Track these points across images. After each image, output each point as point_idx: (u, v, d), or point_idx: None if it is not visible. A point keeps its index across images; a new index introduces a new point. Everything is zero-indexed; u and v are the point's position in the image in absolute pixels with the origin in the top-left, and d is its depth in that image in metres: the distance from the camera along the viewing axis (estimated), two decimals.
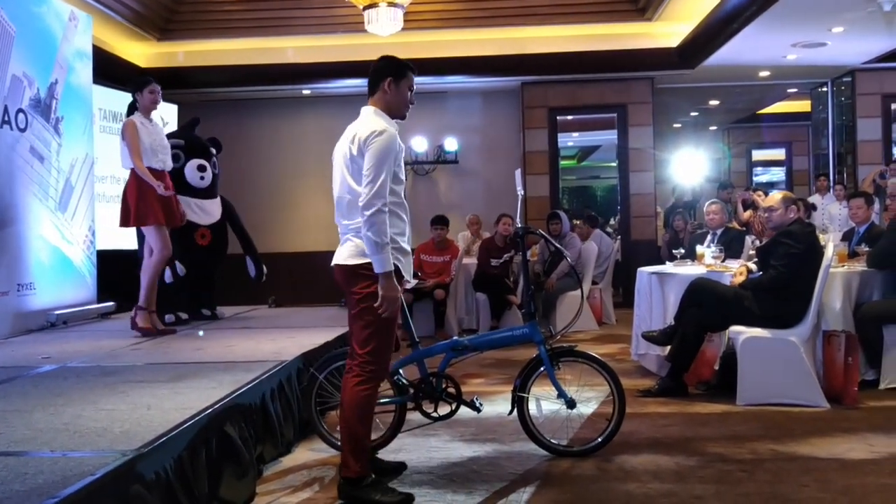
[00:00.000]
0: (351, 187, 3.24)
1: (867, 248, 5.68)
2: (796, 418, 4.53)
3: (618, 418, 3.88)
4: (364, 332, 3.24)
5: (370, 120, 3.27)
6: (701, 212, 9.55)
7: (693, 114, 15.28)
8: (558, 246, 4.72)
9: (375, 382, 3.28)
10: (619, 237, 11.38)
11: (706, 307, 5.04)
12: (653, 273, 6.00)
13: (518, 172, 4.48)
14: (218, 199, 6.58)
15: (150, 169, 5.36)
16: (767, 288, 4.91)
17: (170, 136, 6.33)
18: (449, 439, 4.22)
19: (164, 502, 2.65)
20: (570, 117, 12.01)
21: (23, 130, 6.04)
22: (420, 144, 11.06)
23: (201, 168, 6.30)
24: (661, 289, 5.81)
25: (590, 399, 4.68)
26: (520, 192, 4.20)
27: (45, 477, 2.36)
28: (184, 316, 6.20)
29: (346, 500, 3.25)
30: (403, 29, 8.13)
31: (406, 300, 3.66)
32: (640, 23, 9.83)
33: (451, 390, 3.84)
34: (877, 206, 7.59)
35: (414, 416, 3.88)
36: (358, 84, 3.43)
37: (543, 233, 4.23)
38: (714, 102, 13.84)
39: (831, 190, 10.73)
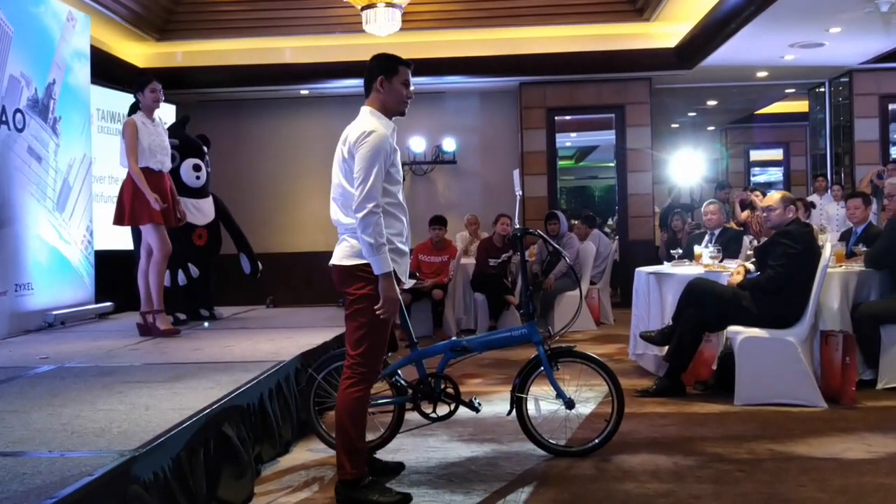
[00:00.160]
0: (345, 188, 3.24)
1: (865, 249, 5.68)
2: (794, 418, 4.54)
3: (616, 418, 3.89)
4: (357, 334, 3.24)
5: (362, 121, 3.27)
6: (698, 212, 9.56)
7: (691, 114, 15.30)
8: (557, 246, 4.72)
9: (367, 384, 3.27)
10: (617, 237, 11.39)
11: (704, 307, 5.05)
12: (651, 273, 6.00)
13: (516, 173, 4.48)
14: (211, 198, 6.56)
15: (147, 169, 5.35)
16: (765, 288, 4.92)
17: None
18: (447, 439, 4.23)
19: (163, 502, 2.65)
20: (568, 117, 12.02)
21: (20, 130, 6.04)
22: (418, 144, 11.07)
23: (196, 168, 6.30)
24: (659, 289, 5.81)
25: (588, 399, 4.68)
26: (518, 192, 4.19)
27: (43, 477, 2.36)
28: (182, 316, 6.19)
29: (344, 501, 3.24)
30: (401, 29, 8.13)
31: (404, 300, 3.66)
32: (637, 23, 9.84)
33: (450, 391, 3.84)
34: (874, 206, 7.59)
35: (413, 417, 3.88)
36: (356, 84, 3.42)
37: (542, 233, 4.22)
38: (712, 103, 13.85)
39: (829, 190, 10.75)
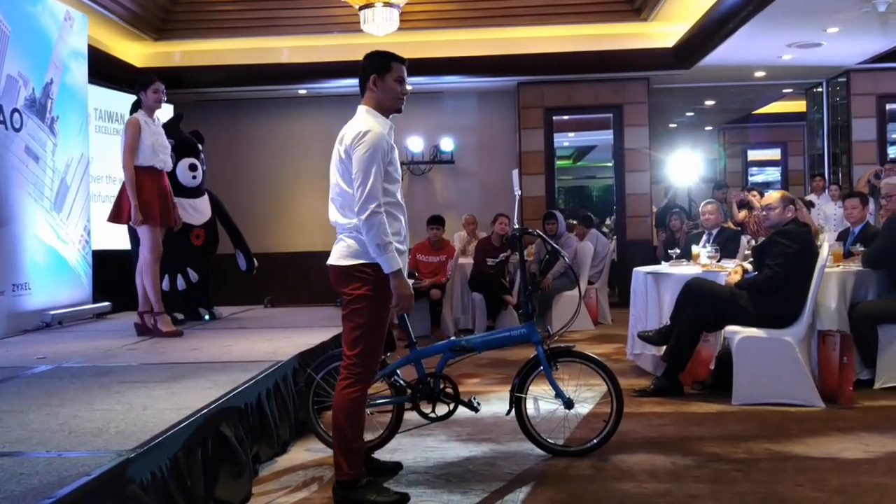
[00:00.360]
0: (342, 189, 3.23)
1: (862, 248, 5.69)
2: (791, 418, 4.54)
3: (615, 419, 3.88)
4: (353, 334, 3.23)
5: (358, 120, 3.26)
6: (696, 212, 9.57)
7: (689, 114, 15.31)
8: (556, 246, 4.73)
9: (364, 384, 3.26)
10: (615, 237, 11.40)
11: (702, 307, 5.05)
12: (649, 273, 6.00)
13: (516, 172, 4.48)
14: (206, 195, 6.52)
15: (151, 169, 5.34)
16: (763, 287, 4.92)
17: None
18: (445, 439, 4.23)
19: (160, 502, 2.65)
20: (565, 117, 12.03)
21: (18, 130, 6.03)
22: (416, 144, 11.07)
23: (193, 167, 6.26)
24: (656, 289, 5.82)
25: (587, 399, 4.68)
26: (517, 192, 4.20)
27: (40, 477, 2.35)
28: (179, 316, 6.18)
29: (342, 502, 3.24)
30: (399, 29, 8.13)
31: None
32: (635, 23, 9.85)
33: (449, 390, 3.84)
34: (872, 206, 7.61)
35: (411, 417, 3.88)
36: (354, 84, 3.40)
37: (541, 233, 4.22)
38: (709, 102, 13.86)
39: (826, 190, 10.76)
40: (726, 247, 6.30)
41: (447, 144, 11.20)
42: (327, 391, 3.85)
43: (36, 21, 6.38)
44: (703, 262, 5.88)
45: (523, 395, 3.84)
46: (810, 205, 9.61)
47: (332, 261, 3.29)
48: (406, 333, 3.85)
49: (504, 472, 3.68)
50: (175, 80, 9.72)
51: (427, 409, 3.84)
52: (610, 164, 11.89)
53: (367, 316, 3.20)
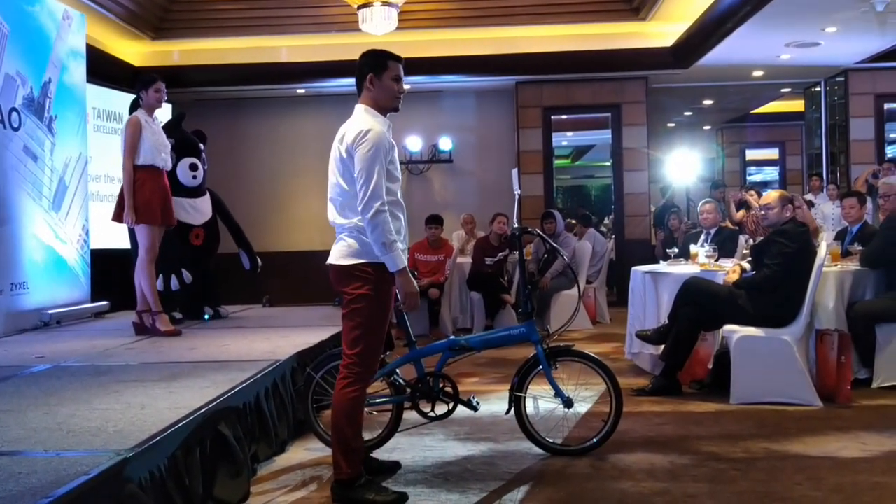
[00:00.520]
0: (343, 188, 3.23)
1: (860, 248, 5.69)
2: (789, 417, 4.55)
3: (614, 418, 3.88)
4: (353, 333, 3.24)
5: (358, 120, 3.26)
6: (693, 212, 9.57)
7: (687, 113, 15.31)
8: (555, 245, 4.72)
9: (362, 384, 3.27)
10: (614, 236, 11.40)
11: (700, 306, 5.05)
12: (647, 272, 6.01)
13: (515, 171, 4.48)
14: (207, 195, 6.49)
15: (152, 167, 5.34)
16: (761, 287, 4.93)
17: None
18: (443, 438, 4.23)
19: (159, 502, 2.65)
20: (564, 117, 12.03)
21: (16, 129, 6.03)
22: (415, 144, 11.07)
23: (193, 167, 6.22)
24: (654, 288, 5.82)
25: (585, 398, 4.68)
26: (517, 191, 4.20)
27: (38, 476, 2.35)
28: (178, 316, 6.18)
29: (340, 501, 3.24)
30: (398, 28, 8.13)
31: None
32: (634, 22, 9.85)
33: (448, 390, 3.84)
34: (870, 205, 7.62)
35: (410, 416, 3.89)
36: (352, 83, 3.41)
37: (540, 232, 4.23)
38: (708, 102, 13.87)
39: (824, 189, 10.77)
40: (724, 246, 6.31)
41: (446, 144, 11.20)
42: (326, 390, 3.86)
43: (34, 20, 6.38)
44: (701, 261, 5.88)
45: (522, 395, 3.84)
46: (811, 204, 9.62)
47: (332, 260, 3.29)
48: (405, 332, 3.86)
49: (502, 471, 3.68)
50: (173, 79, 9.69)
51: (426, 409, 3.84)
52: (608, 164, 11.89)
53: (367, 315, 3.20)
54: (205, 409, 3.20)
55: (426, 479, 3.58)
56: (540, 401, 3.90)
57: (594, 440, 3.90)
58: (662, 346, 5.29)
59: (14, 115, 6.01)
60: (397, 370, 3.84)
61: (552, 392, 3.85)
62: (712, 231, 6.63)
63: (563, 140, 16.05)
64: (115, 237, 7.39)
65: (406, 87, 3.46)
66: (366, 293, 3.19)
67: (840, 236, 6.45)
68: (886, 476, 3.52)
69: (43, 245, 6.31)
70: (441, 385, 3.84)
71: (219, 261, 6.76)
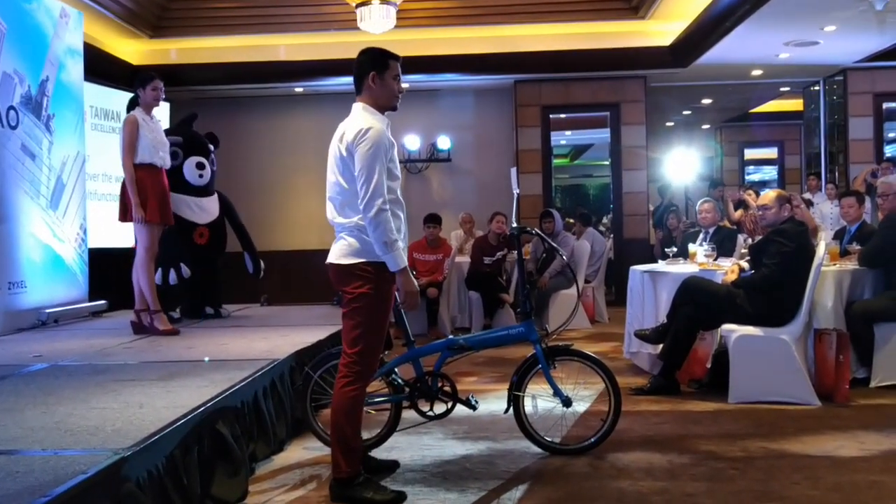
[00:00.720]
0: (342, 187, 3.22)
1: (858, 247, 5.70)
2: (788, 416, 4.55)
3: (613, 417, 3.88)
4: (354, 332, 3.23)
5: (357, 118, 3.25)
6: (692, 211, 9.57)
7: (686, 112, 15.31)
8: (553, 244, 4.72)
9: (362, 383, 3.26)
10: (612, 235, 11.40)
11: (698, 305, 5.05)
12: (645, 271, 6.01)
13: (513, 171, 4.47)
14: (216, 196, 6.50)
15: (150, 166, 5.33)
16: (759, 286, 4.93)
17: (167, 132, 6.31)
18: (442, 437, 4.22)
19: (157, 501, 2.64)
20: (562, 115, 12.03)
21: (14, 128, 6.02)
22: (413, 142, 11.07)
23: (200, 166, 6.23)
24: (653, 287, 5.82)
25: (584, 397, 4.68)
26: (515, 190, 4.19)
27: (36, 475, 2.35)
28: (175, 315, 6.17)
29: (339, 499, 3.24)
30: (396, 26, 8.13)
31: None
32: (632, 21, 9.85)
33: (447, 389, 3.84)
34: (868, 204, 7.62)
35: (409, 415, 3.88)
36: (351, 82, 3.41)
37: (539, 232, 4.22)
38: (706, 101, 13.87)
39: (823, 189, 10.77)
40: (723, 245, 6.31)
41: (444, 143, 11.19)
42: (325, 389, 3.85)
43: (31, 18, 6.36)
44: (699, 260, 5.88)
45: (521, 394, 3.84)
46: (809, 203, 9.63)
47: (332, 259, 3.28)
48: (403, 332, 3.86)
49: (501, 470, 3.68)
50: (171, 77, 9.68)
51: (425, 408, 3.84)
52: (607, 163, 11.89)
53: (367, 314, 3.20)
54: (203, 409, 3.19)
55: (425, 478, 3.58)
56: (538, 400, 3.90)
57: (592, 439, 3.90)
58: (661, 346, 5.29)
59: (12, 113, 6.00)
60: (396, 369, 3.84)
61: (551, 391, 3.85)
62: (711, 230, 6.63)
63: (562, 139, 16.05)
64: (114, 236, 7.39)
65: (404, 85, 3.46)
66: (366, 292, 3.18)
67: (838, 235, 6.46)
68: (884, 475, 3.52)
69: (41, 244, 6.30)
70: (440, 384, 3.84)
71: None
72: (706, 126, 17.45)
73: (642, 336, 5.41)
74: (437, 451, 4.00)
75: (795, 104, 13.38)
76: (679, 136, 16.54)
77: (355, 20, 8.04)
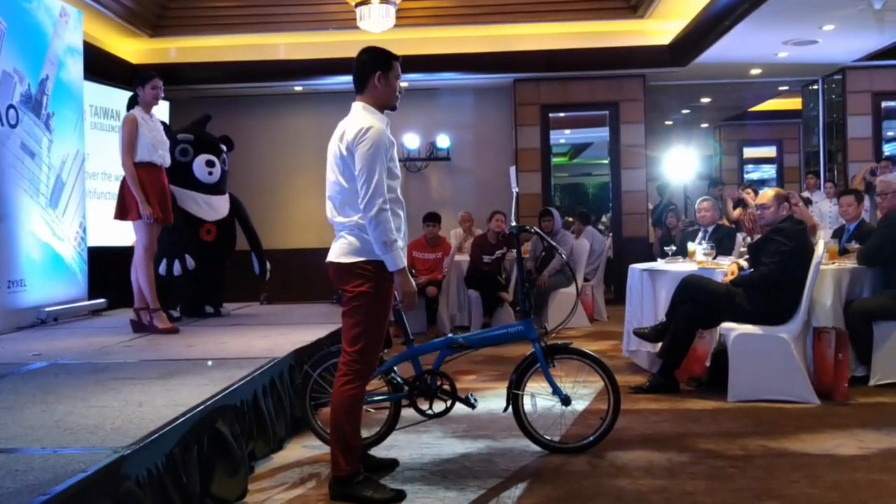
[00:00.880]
0: (342, 186, 3.22)
1: (857, 245, 5.70)
2: (787, 414, 4.55)
3: (612, 415, 3.88)
4: (354, 331, 3.24)
5: (357, 117, 3.25)
6: (691, 209, 9.58)
7: (684, 111, 15.31)
8: (553, 243, 4.72)
9: (362, 381, 3.27)
10: (611, 234, 11.40)
11: (698, 304, 5.06)
12: (644, 270, 6.01)
13: (513, 169, 4.47)
14: (227, 195, 6.54)
15: (149, 164, 5.33)
16: (758, 285, 4.93)
17: (180, 130, 6.37)
18: (441, 436, 4.23)
19: (156, 499, 2.64)
20: (562, 114, 12.03)
21: (13, 126, 6.01)
22: (412, 141, 11.07)
23: (209, 164, 6.27)
24: (652, 286, 5.83)
25: (583, 396, 4.68)
26: (515, 189, 4.20)
27: (36, 474, 2.35)
28: (175, 314, 6.17)
29: (338, 498, 3.24)
30: (395, 25, 8.12)
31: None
32: (631, 20, 9.85)
33: (446, 387, 3.84)
34: (867, 203, 7.62)
35: (408, 413, 3.89)
36: (350, 81, 3.41)
37: (538, 230, 4.23)
38: (705, 100, 13.87)
39: (821, 187, 10.77)
40: (722, 244, 6.32)
41: (443, 141, 11.19)
42: (324, 388, 3.86)
43: (31, 17, 6.36)
44: (699, 258, 5.89)
45: (520, 392, 3.84)
46: (808, 201, 9.64)
47: (332, 258, 3.28)
48: (403, 330, 3.86)
49: (500, 468, 3.68)
50: (170, 76, 9.69)
51: (424, 406, 3.84)
52: (606, 162, 11.90)
53: (367, 313, 3.20)
54: (202, 407, 3.19)
55: (424, 477, 3.58)
56: (538, 398, 3.90)
57: (592, 438, 3.90)
58: (660, 344, 5.29)
59: (11, 112, 5.99)
60: (395, 368, 3.84)
61: (550, 390, 3.85)
62: (710, 229, 6.63)
63: (561, 138, 16.04)
64: (113, 235, 7.39)
65: (403, 84, 3.46)
66: (366, 291, 3.19)
67: (837, 234, 6.46)
68: (883, 473, 3.52)
69: (40, 242, 6.30)
70: (439, 383, 3.84)
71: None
72: (705, 125, 17.45)
73: (641, 334, 5.41)
74: (437, 449, 4.00)
75: (794, 103, 13.39)
76: (678, 135, 16.54)
77: (355, 19, 8.04)
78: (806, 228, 5.22)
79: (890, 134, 11.64)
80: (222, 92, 11.03)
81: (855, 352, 5.22)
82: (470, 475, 3.59)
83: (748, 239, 6.97)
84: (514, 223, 4.13)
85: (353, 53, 3.37)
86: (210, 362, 3.76)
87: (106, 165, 8.25)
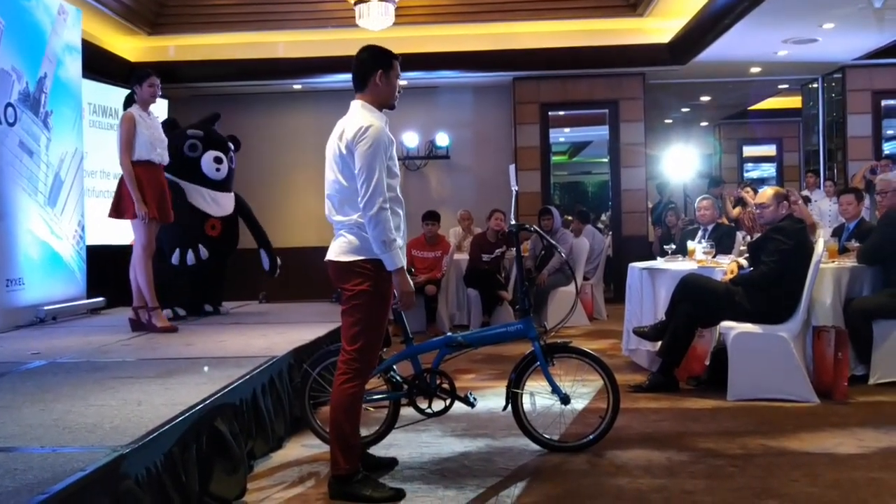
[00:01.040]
0: (341, 185, 3.22)
1: (857, 244, 5.70)
2: (786, 413, 4.55)
3: (612, 414, 3.88)
4: (353, 329, 3.24)
5: (356, 116, 3.24)
6: (690, 208, 9.57)
7: (684, 110, 15.31)
8: (552, 242, 4.71)
9: (361, 380, 3.27)
10: (611, 233, 11.40)
11: (697, 303, 5.05)
12: (644, 268, 6.01)
13: (512, 168, 4.47)
14: (232, 193, 6.56)
15: (148, 162, 5.32)
16: (758, 283, 4.93)
17: (189, 127, 6.39)
18: (440, 434, 4.22)
19: (155, 498, 2.64)
20: (561, 113, 12.01)
21: (12, 125, 6.00)
22: (411, 139, 11.05)
23: (217, 160, 6.30)
24: (652, 284, 5.82)
25: (582, 395, 4.68)
26: (514, 187, 4.19)
27: (35, 473, 2.35)
28: (182, 312, 6.17)
29: (337, 497, 3.24)
30: (394, 23, 8.12)
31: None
32: (631, 18, 9.84)
33: (445, 386, 3.84)
34: (867, 201, 7.62)
35: (407, 412, 3.88)
36: (349, 79, 3.40)
37: (537, 229, 4.22)
38: (705, 98, 13.86)
39: (821, 186, 10.77)
40: (722, 242, 6.31)
41: (442, 139, 11.18)
42: (323, 387, 3.85)
43: (30, 15, 6.35)
44: (698, 257, 5.88)
45: (520, 391, 3.84)
46: (807, 200, 9.63)
47: (331, 256, 3.28)
48: (402, 329, 3.86)
49: (499, 467, 3.68)
50: (169, 74, 9.71)
51: (423, 405, 3.84)
52: (605, 160, 11.89)
53: (367, 311, 3.20)
54: (201, 406, 3.19)
55: (423, 476, 3.57)
56: (537, 397, 3.90)
57: (591, 436, 3.90)
58: (660, 343, 5.29)
59: (9, 110, 5.98)
60: (394, 366, 3.84)
61: (549, 388, 3.85)
62: (709, 227, 6.63)
63: (561, 136, 16.03)
64: (111, 233, 7.38)
65: (402, 82, 3.46)
66: (366, 289, 3.19)
67: (837, 233, 6.46)
68: (883, 472, 3.52)
69: (38, 241, 6.29)
70: (438, 381, 3.84)
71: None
72: (705, 123, 17.45)
73: (641, 333, 5.41)
74: (436, 448, 3.99)
75: (794, 101, 13.38)
76: (678, 134, 16.53)
77: (354, 17, 8.03)
78: (805, 227, 5.22)
79: (890, 132, 11.64)
80: (221, 90, 11.01)
81: (854, 350, 5.21)
82: (469, 474, 3.59)
83: (748, 238, 6.97)
84: (513, 222, 4.12)
85: (352, 52, 3.36)
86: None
87: (104, 163, 8.24)
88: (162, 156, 5.46)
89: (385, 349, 3.76)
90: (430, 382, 3.82)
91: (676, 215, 10.06)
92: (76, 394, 3.48)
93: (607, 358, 4.17)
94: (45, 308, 6.17)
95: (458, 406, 3.85)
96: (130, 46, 10.05)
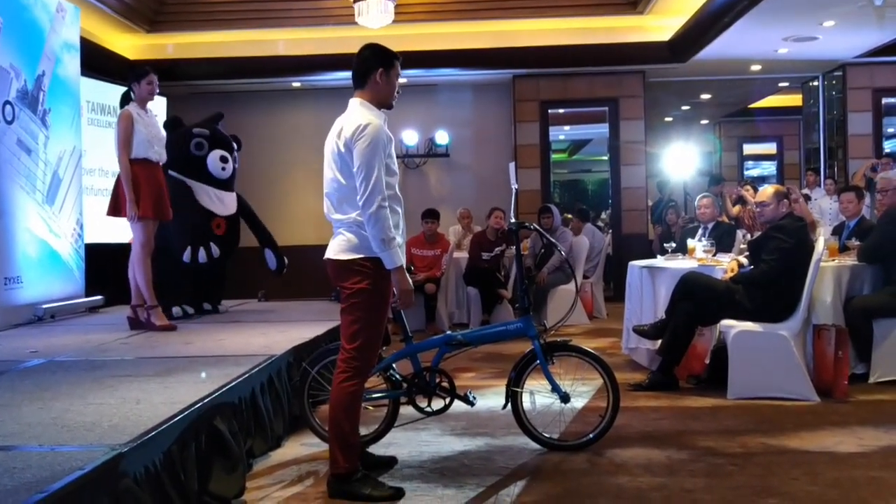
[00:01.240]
0: (340, 183, 3.21)
1: (857, 242, 5.69)
2: (786, 412, 4.55)
3: (612, 413, 3.88)
4: (353, 328, 3.23)
5: (355, 114, 3.23)
6: (690, 206, 9.56)
7: (684, 108, 15.29)
8: (552, 240, 4.71)
9: (361, 378, 3.26)
10: (611, 231, 11.39)
11: (697, 301, 5.05)
12: (644, 267, 6.00)
13: (512, 166, 4.46)
14: (234, 193, 6.56)
15: (145, 160, 5.31)
16: (758, 282, 4.92)
17: (195, 125, 6.39)
18: (440, 433, 4.22)
19: (154, 497, 2.64)
20: (561, 111, 12.00)
21: (10, 123, 5.99)
22: (411, 137, 11.04)
23: (223, 159, 6.31)
24: (652, 283, 5.82)
25: (582, 393, 4.67)
26: (514, 186, 4.18)
27: (33, 471, 2.34)
28: (190, 310, 6.17)
29: (336, 495, 3.24)
30: (394, 21, 8.10)
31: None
32: (631, 16, 9.83)
33: (445, 385, 3.84)
34: (867, 200, 7.61)
35: (407, 411, 3.88)
36: (348, 77, 3.39)
37: (537, 227, 4.22)
38: (705, 96, 13.85)
39: (821, 184, 10.75)
40: (722, 241, 6.31)
41: (442, 137, 11.17)
42: (322, 385, 3.85)
43: (28, 13, 6.33)
44: (698, 255, 5.88)
45: (519, 390, 3.83)
46: (808, 198, 9.62)
47: (330, 255, 3.27)
48: (402, 328, 3.85)
49: (499, 466, 3.67)
50: (168, 72, 9.70)
51: (423, 404, 3.84)
52: (605, 158, 11.89)
53: (366, 310, 3.19)
54: (200, 405, 3.18)
55: (422, 475, 3.57)
56: (537, 396, 3.89)
57: (591, 435, 3.89)
58: (659, 341, 5.28)
59: (8, 108, 5.97)
60: (394, 365, 3.83)
61: (549, 387, 3.84)
62: (710, 225, 6.62)
63: (561, 134, 16.02)
64: (110, 231, 7.37)
65: (402, 80, 3.45)
66: (365, 288, 3.18)
67: (837, 231, 6.45)
68: (883, 471, 3.52)
69: (37, 239, 6.28)
70: (437, 380, 3.83)
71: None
72: (705, 121, 17.44)
73: (641, 332, 5.40)
74: (435, 447, 3.99)
75: (794, 99, 13.37)
76: (678, 132, 16.50)
77: (353, 15, 8.02)
78: (806, 225, 5.21)
79: (890, 130, 11.63)
80: (220, 88, 11.00)
81: (855, 349, 5.21)
82: (468, 473, 3.58)
83: (748, 236, 6.96)
84: (513, 220, 4.11)
85: (352, 49, 3.35)
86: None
87: (103, 162, 8.23)
88: (160, 154, 5.45)
89: (384, 348, 3.76)
90: (430, 381, 3.81)
91: (676, 213, 10.05)
92: (75, 392, 3.48)
93: (607, 356, 4.17)
94: (44, 306, 6.16)
95: (458, 405, 3.85)
96: (129, 44, 10.03)
